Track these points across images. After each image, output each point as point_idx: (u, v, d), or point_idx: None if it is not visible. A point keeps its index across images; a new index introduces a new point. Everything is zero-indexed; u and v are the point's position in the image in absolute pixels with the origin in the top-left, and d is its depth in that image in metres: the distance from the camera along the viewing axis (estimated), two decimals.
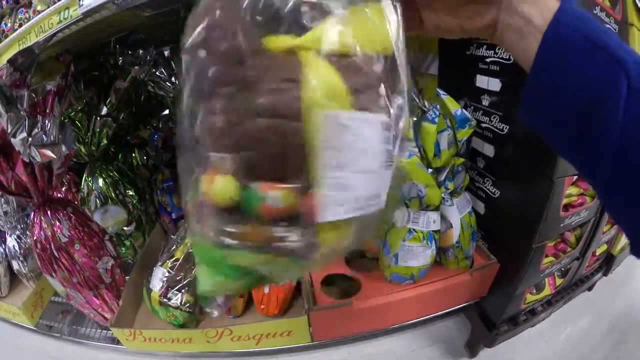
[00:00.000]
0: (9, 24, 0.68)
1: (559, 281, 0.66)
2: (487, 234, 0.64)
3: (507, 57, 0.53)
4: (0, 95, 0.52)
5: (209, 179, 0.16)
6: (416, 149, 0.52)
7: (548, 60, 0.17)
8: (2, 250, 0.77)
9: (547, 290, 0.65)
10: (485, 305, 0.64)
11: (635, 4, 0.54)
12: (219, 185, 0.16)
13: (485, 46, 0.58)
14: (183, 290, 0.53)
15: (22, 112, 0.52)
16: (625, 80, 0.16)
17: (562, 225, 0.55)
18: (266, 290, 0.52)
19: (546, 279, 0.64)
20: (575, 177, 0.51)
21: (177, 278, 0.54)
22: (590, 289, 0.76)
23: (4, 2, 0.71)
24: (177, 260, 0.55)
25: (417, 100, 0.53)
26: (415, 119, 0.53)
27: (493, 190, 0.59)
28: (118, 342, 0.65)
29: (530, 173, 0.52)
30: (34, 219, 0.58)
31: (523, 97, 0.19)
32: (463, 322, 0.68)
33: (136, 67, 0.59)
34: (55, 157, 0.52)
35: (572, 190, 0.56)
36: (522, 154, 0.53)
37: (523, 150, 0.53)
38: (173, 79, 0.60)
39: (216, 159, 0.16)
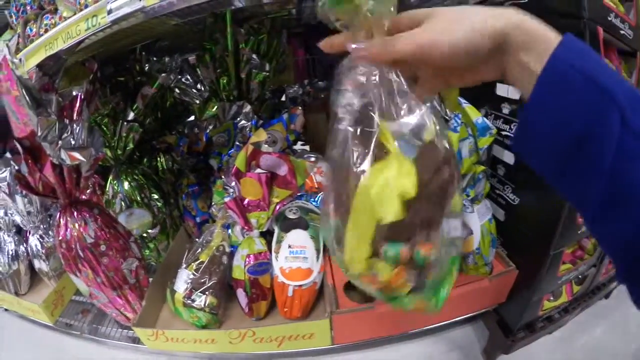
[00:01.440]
0: (34, 29, 0.70)
1: (576, 288, 0.66)
2: (507, 241, 0.64)
3: None
4: (30, 99, 0.53)
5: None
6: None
7: (542, 94, 0.18)
8: (23, 248, 0.78)
9: (564, 297, 0.65)
10: (503, 311, 0.64)
11: None
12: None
13: None
14: (207, 292, 0.54)
15: (52, 116, 0.53)
16: (617, 114, 0.17)
17: (579, 232, 0.55)
18: (290, 293, 0.52)
19: (563, 286, 0.64)
20: None
21: (202, 280, 0.55)
22: (607, 296, 0.75)
23: (28, 8, 0.73)
24: (202, 262, 0.55)
25: (440, 109, 0.54)
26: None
27: (513, 198, 0.60)
28: (137, 342, 0.66)
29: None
30: (59, 219, 0.60)
31: (517, 129, 0.20)
32: (481, 328, 0.68)
33: (163, 74, 0.60)
34: (84, 160, 0.54)
35: None
36: None
37: None
38: (199, 86, 0.62)
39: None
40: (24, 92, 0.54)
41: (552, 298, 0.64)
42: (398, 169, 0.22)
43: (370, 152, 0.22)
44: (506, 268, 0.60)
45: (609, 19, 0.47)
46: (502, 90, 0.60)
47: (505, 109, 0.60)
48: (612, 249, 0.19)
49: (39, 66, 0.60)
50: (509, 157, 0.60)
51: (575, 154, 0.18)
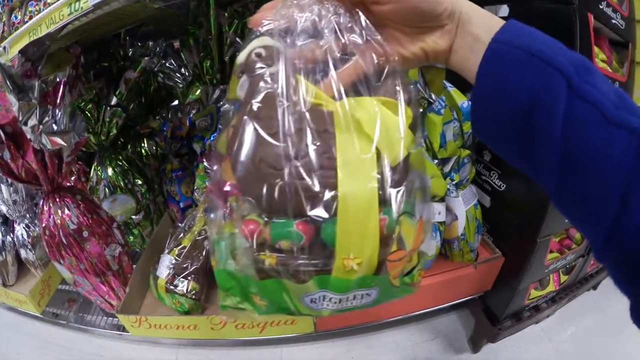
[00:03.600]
0: (19, 17, 0.69)
1: (563, 278, 0.66)
2: (493, 228, 0.64)
3: None
4: (12, 84, 0.53)
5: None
6: (422, 140, 0.52)
7: (487, 74, 0.19)
8: (10, 238, 0.78)
9: (552, 287, 0.65)
10: (489, 299, 0.64)
11: None
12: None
13: None
14: (189, 278, 0.54)
15: (33, 100, 0.53)
16: (563, 81, 0.17)
17: (566, 220, 0.54)
18: None
19: (551, 275, 0.64)
20: None
21: (184, 265, 0.54)
22: (595, 287, 0.75)
23: None
24: (184, 247, 0.55)
25: (424, 92, 0.53)
26: (421, 110, 0.53)
27: (499, 184, 0.60)
28: (123, 330, 0.66)
29: None
30: (43, 206, 0.59)
31: (471, 113, 0.20)
32: (467, 316, 0.68)
33: (146, 58, 0.60)
34: (65, 144, 0.54)
35: None
36: None
37: None
38: (182, 70, 0.61)
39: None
40: (6, 78, 0.54)
41: (539, 287, 0.64)
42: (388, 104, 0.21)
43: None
44: (492, 255, 0.59)
45: (601, 7, 0.46)
46: None
47: None
48: (582, 225, 0.19)
49: (22, 52, 0.59)
50: None
51: (527, 126, 0.18)
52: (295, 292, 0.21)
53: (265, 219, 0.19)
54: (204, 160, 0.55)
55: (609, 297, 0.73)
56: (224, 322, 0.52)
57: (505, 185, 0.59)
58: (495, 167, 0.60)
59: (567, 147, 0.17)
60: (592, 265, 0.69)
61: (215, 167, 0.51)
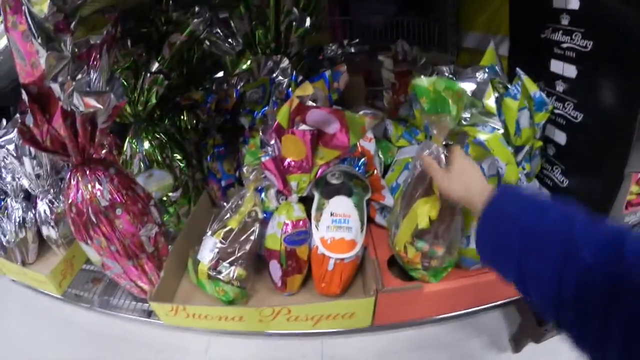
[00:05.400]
0: None
1: None
2: None
3: (584, 44, 0.46)
4: (41, 33, 0.41)
5: None
6: (500, 124, 0.44)
7: (480, 230, 0.31)
8: (31, 215, 0.66)
9: None
10: None
11: None
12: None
13: (561, 31, 0.50)
14: (236, 264, 0.44)
15: (65, 53, 0.41)
16: (519, 232, 0.27)
17: (624, 222, 0.47)
18: (330, 267, 0.43)
19: None
20: None
21: (230, 250, 0.44)
22: None
23: None
24: (231, 230, 0.45)
25: (501, 77, 0.45)
26: (497, 94, 0.45)
27: (562, 179, 0.51)
28: (151, 315, 0.56)
29: (601, 164, 0.45)
30: (70, 179, 0.48)
31: (475, 241, 0.32)
32: (510, 314, 0.60)
33: (195, 20, 0.49)
34: (101, 107, 0.42)
35: (633, 188, 0.49)
36: (595, 144, 0.46)
37: (596, 140, 0.46)
38: (230, 39, 0.51)
39: None
40: (33, 24, 0.41)
41: None
42: (432, 203, 0.40)
43: (420, 191, 0.42)
44: None
45: None
46: (556, 67, 0.51)
47: (560, 87, 0.51)
48: (539, 305, 0.26)
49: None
50: (560, 137, 0.51)
51: (501, 256, 0.29)
52: None
53: None
54: (254, 135, 0.45)
55: None
56: (276, 314, 0.43)
57: (568, 181, 0.51)
58: (558, 162, 0.52)
59: (520, 268, 0.26)
60: None
61: (272, 142, 0.42)
